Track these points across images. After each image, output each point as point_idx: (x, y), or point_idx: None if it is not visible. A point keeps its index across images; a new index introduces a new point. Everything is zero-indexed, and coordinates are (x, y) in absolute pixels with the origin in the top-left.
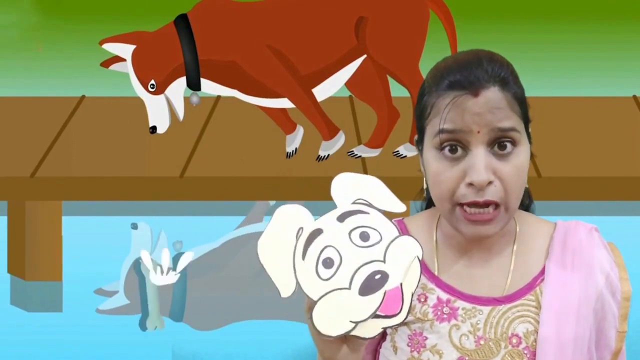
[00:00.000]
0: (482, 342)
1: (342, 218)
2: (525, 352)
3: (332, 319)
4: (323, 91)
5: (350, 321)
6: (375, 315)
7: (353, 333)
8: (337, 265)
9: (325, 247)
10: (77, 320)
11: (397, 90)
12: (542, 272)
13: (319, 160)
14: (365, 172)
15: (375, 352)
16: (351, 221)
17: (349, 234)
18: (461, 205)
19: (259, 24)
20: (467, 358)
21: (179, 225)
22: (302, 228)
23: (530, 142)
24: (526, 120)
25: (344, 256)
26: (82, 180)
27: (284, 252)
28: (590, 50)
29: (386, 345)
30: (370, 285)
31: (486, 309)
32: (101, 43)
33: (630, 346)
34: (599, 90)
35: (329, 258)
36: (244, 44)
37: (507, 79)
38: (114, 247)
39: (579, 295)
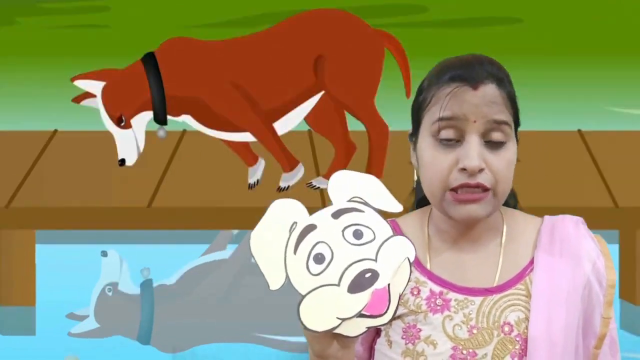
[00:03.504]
0: (475, 331)
1: (336, 215)
2: (517, 339)
3: (318, 314)
4: (283, 125)
5: (337, 317)
6: (360, 315)
7: (337, 331)
8: (328, 262)
9: (318, 242)
10: (50, 344)
11: (354, 125)
12: (531, 262)
13: (279, 191)
14: (324, 204)
15: (371, 349)
16: (345, 218)
17: (343, 231)
18: (452, 190)
19: (223, 62)
20: (460, 347)
21: (147, 252)
22: (296, 222)
23: (517, 143)
24: (516, 122)
25: (336, 253)
26: (55, 210)
27: (276, 245)
28: (536, 85)
29: (381, 341)
30: (360, 283)
31: (478, 300)
32: (73, 80)
33: None
34: (544, 124)
35: (320, 254)
36: (208, 80)
37: (503, 79)
38: (85, 273)
39: (567, 283)
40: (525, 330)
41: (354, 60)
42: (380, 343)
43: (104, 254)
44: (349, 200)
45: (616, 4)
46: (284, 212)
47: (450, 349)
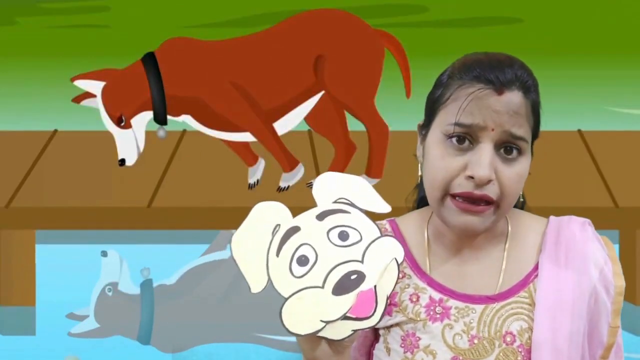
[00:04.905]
0: (475, 341)
1: (321, 216)
2: (520, 350)
3: (301, 317)
4: (283, 125)
5: (321, 320)
6: (345, 317)
7: (322, 334)
8: (312, 264)
9: (302, 244)
10: (50, 344)
11: (354, 125)
12: (536, 268)
13: (279, 191)
14: None
15: (369, 355)
16: (331, 220)
17: (328, 232)
18: (453, 196)
19: (223, 62)
20: (461, 358)
21: (147, 252)
22: (279, 225)
23: (531, 156)
24: (535, 134)
25: (320, 255)
26: (55, 210)
27: (258, 247)
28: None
29: (379, 347)
30: (345, 285)
31: (479, 308)
32: (73, 80)
33: None
34: (544, 124)
35: (304, 256)
36: (209, 80)
37: (531, 87)
38: (85, 273)
39: (573, 290)
40: (528, 341)
41: (354, 60)
42: (379, 349)
43: (104, 254)
44: (335, 202)
45: (616, 4)
46: (267, 215)
47: (450, 359)
